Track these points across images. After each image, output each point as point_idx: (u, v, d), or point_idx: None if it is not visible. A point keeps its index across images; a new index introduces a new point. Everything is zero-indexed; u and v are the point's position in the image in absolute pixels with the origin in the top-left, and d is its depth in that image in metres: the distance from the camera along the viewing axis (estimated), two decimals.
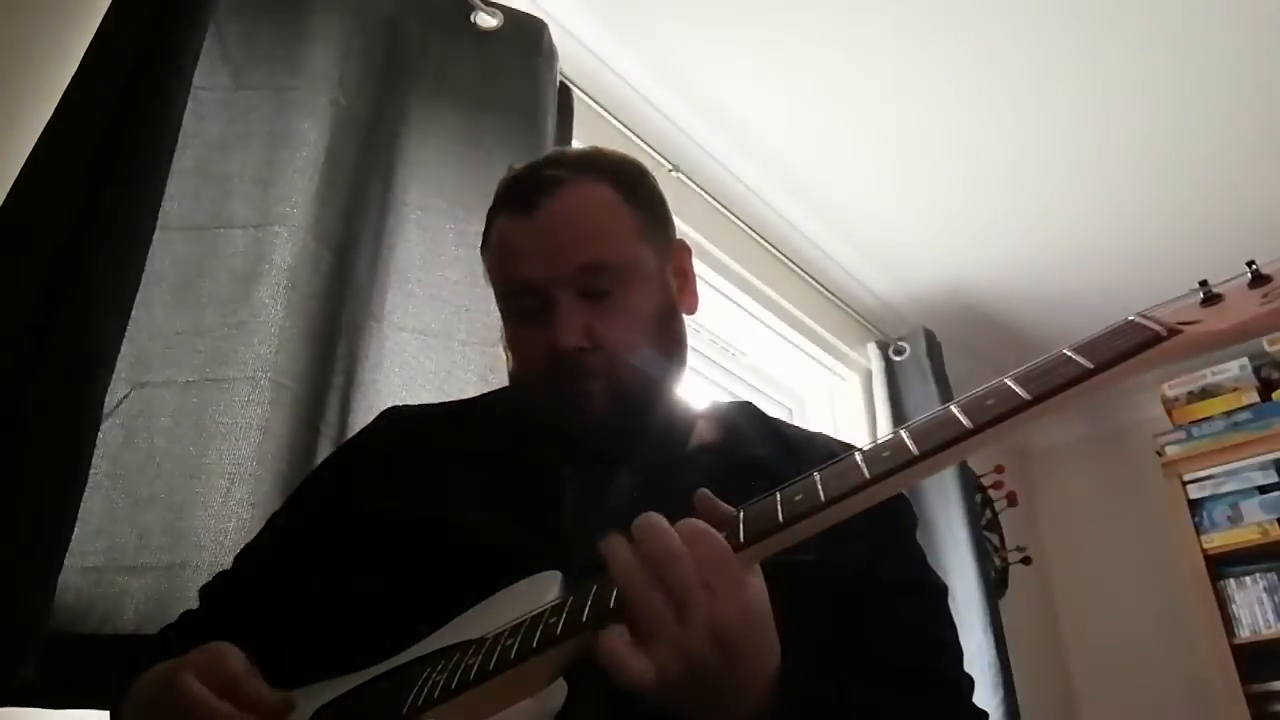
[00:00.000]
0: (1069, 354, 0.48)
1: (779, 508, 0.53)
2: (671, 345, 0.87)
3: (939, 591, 0.81)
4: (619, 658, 0.51)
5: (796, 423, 0.98)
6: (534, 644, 0.54)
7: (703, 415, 0.90)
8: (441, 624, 0.67)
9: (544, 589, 0.64)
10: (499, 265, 0.88)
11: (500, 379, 0.98)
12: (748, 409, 0.93)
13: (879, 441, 0.53)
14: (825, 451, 0.85)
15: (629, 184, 0.89)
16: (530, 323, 0.83)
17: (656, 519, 0.55)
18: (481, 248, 0.94)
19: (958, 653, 0.78)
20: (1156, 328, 0.46)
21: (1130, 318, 0.48)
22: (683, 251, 0.94)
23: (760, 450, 0.83)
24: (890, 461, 0.50)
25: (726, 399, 0.95)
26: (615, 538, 0.56)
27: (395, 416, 0.96)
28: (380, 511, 0.80)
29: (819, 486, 0.52)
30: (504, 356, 0.92)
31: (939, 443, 0.49)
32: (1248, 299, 0.47)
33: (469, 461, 0.84)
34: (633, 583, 0.53)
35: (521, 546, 0.71)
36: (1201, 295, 0.48)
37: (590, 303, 0.82)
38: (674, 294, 0.90)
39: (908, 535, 0.83)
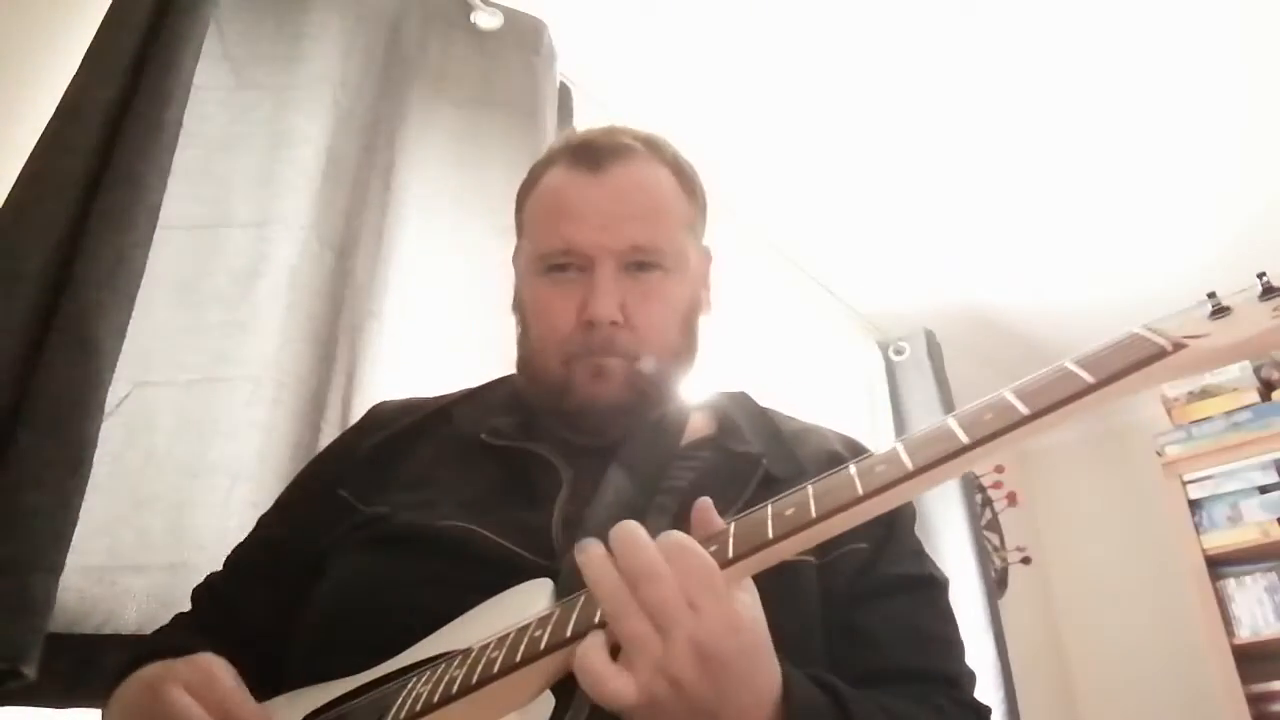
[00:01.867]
0: (1071, 367, 0.47)
1: (769, 522, 0.51)
2: (691, 344, 0.86)
3: (938, 585, 0.80)
4: (597, 675, 0.49)
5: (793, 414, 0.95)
6: (518, 657, 0.53)
7: (697, 408, 0.88)
8: (430, 630, 0.65)
9: (534, 597, 0.62)
10: (547, 216, 0.84)
11: (500, 375, 0.96)
12: (742, 400, 0.91)
13: (874, 455, 0.52)
14: (820, 445, 0.84)
15: (689, 177, 0.89)
16: (561, 285, 0.81)
17: (634, 531, 0.53)
18: (522, 193, 0.91)
19: (958, 648, 0.77)
20: (1161, 342, 0.45)
21: (1135, 330, 0.47)
22: (709, 258, 0.94)
23: (754, 445, 0.81)
24: (884, 477, 0.49)
25: (721, 389, 0.94)
26: (591, 548, 0.53)
27: (384, 411, 0.92)
28: (367, 512, 0.77)
29: (810, 501, 0.51)
30: (515, 318, 0.89)
31: (934, 458, 0.48)
32: (1258, 312, 0.45)
33: (460, 457, 0.81)
34: (613, 601, 0.51)
35: (513, 550, 0.69)
36: (1210, 307, 0.47)
37: (630, 280, 0.80)
38: (701, 295, 0.89)
39: (905, 530, 0.81)
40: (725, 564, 0.51)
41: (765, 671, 0.54)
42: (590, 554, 0.53)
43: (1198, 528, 2.90)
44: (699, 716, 0.50)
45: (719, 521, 0.55)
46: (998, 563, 3.04)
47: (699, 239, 0.90)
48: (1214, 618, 2.77)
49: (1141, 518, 3.25)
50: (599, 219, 0.80)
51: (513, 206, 0.95)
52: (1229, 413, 2.95)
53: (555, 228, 0.82)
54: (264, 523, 0.90)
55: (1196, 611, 2.82)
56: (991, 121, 2.25)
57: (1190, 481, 2.96)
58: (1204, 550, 2.85)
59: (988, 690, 2.32)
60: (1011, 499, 3.12)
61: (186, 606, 0.90)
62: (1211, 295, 0.47)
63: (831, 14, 1.95)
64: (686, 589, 0.50)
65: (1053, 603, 3.43)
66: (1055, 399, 0.46)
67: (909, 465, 0.48)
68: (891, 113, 2.22)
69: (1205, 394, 3.02)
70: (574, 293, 0.80)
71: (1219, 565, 2.86)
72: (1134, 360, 0.45)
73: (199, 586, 0.89)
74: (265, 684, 0.69)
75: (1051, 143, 2.32)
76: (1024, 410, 0.46)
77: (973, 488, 2.81)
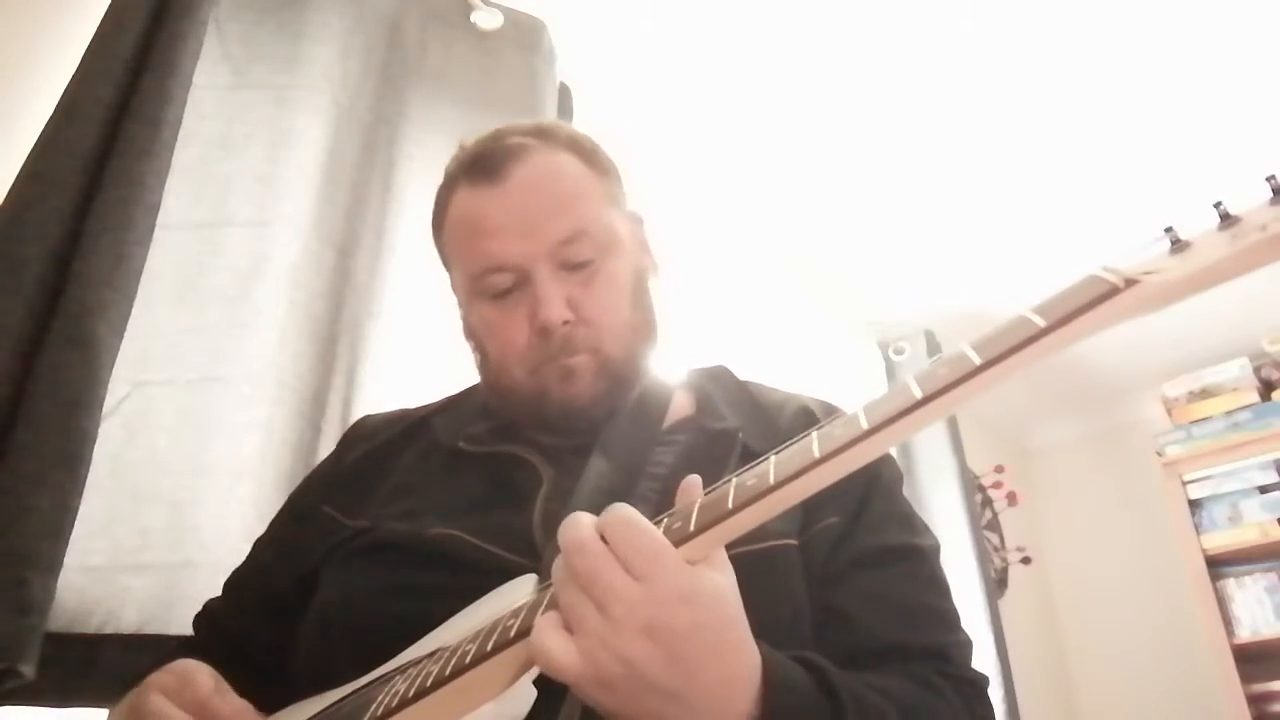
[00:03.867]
0: (1026, 314, 0.46)
1: (730, 494, 0.51)
2: (647, 315, 0.84)
3: (920, 553, 0.77)
4: (543, 645, 0.48)
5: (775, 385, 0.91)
6: (489, 647, 0.53)
7: (678, 389, 0.87)
8: (420, 637, 0.65)
9: (518, 594, 0.62)
10: (465, 243, 0.82)
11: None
12: (721, 375, 0.90)
13: (835, 420, 0.50)
14: (799, 412, 0.83)
15: (591, 152, 0.86)
16: (504, 302, 0.79)
17: (577, 513, 0.52)
18: (435, 227, 0.88)
19: (947, 616, 0.74)
20: (1114, 280, 0.44)
21: (1091, 272, 0.46)
22: (639, 221, 0.91)
23: (732, 420, 0.80)
24: (842, 438, 0.48)
25: (701, 366, 0.92)
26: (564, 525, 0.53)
27: (364, 426, 0.92)
28: (352, 526, 0.78)
29: (770, 470, 0.50)
30: (470, 346, 0.87)
31: (890, 414, 0.47)
32: (1216, 242, 0.44)
33: (440, 466, 0.81)
34: (555, 573, 0.51)
35: (496, 553, 0.69)
36: (1169, 242, 0.46)
37: (569, 274, 0.79)
38: (643, 263, 0.87)
39: (886, 496, 0.78)
40: (687, 538, 0.50)
41: (736, 649, 0.52)
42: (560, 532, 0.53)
43: (1198, 528, 2.90)
44: (663, 699, 0.49)
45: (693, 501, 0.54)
46: (998, 563, 3.04)
47: (623, 207, 0.88)
48: (1214, 618, 2.77)
49: (1141, 518, 3.26)
50: (517, 227, 0.78)
51: None
52: (1229, 413, 2.95)
53: (478, 249, 0.80)
54: (257, 547, 0.90)
55: (1196, 611, 2.82)
56: (992, 122, 2.25)
57: (1190, 481, 2.96)
58: (1204, 550, 2.86)
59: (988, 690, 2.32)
60: (1011, 499, 3.12)
61: (187, 606, 0.90)
62: (1169, 229, 0.46)
63: (832, 15, 1.95)
64: (628, 561, 0.49)
65: (1053, 603, 3.43)
66: (1009, 345, 0.45)
67: (864, 424, 0.47)
68: (892, 113, 2.22)
69: (1205, 394, 3.02)
70: (519, 306, 0.78)
71: (1219, 565, 2.86)
72: (1086, 300, 0.44)
73: (199, 615, 0.89)
74: (271, 704, 0.69)
75: (1052, 144, 2.32)
76: (976, 360, 0.46)
77: (973, 488, 2.81)
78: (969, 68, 2.10)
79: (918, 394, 0.47)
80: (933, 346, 2.80)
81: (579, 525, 0.51)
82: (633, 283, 0.83)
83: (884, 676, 0.63)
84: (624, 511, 0.51)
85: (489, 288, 0.80)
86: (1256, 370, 2.99)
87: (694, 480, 0.55)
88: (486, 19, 1.66)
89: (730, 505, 0.50)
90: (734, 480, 0.52)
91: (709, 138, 2.25)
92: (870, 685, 0.60)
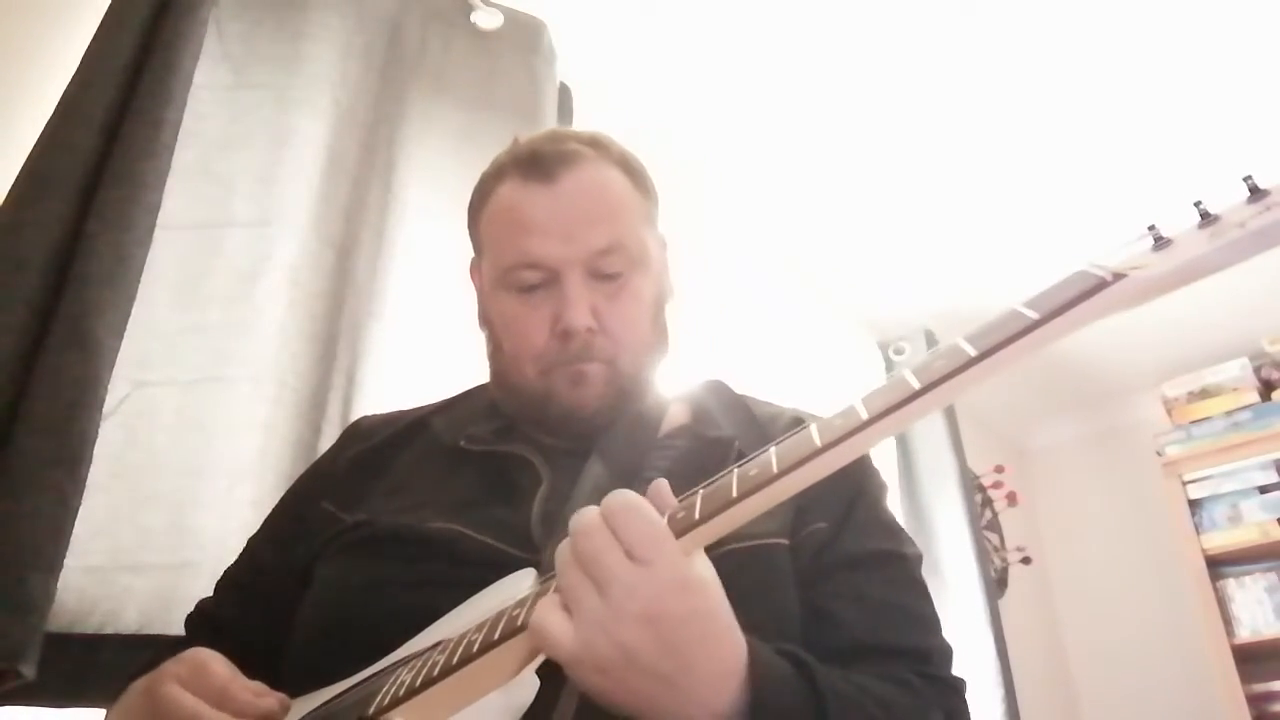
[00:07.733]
0: (1018, 308, 0.48)
1: (734, 484, 0.52)
2: (662, 335, 0.87)
3: (903, 559, 0.78)
4: (542, 625, 0.50)
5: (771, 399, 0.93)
6: (496, 636, 0.54)
7: (675, 399, 0.89)
8: (419, 630, 0.66)
9: (518, 587, 0.63)
10: (505, 234, 0.84)
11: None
12: (718, 388, 0.92)
13: (835, 413, 0.51)
14: (791, 423, 0.84)
15: (638, 172, 0.89)
16: (529, 298, 0.81)
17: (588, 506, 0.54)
18: (473, 210, 0.90)
19: (928, 621, 0.75)
20: (1102, 274, 0.46)
21: (1079, 267, 0.48)
22: (664, 245, 0.94)
23: (727, 430, 0.81)
24: (842, 429, 0.49)
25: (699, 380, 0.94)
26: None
27: (362, 425, 0.93)
28: (349, 520, 0.78)
29: (773, 460, 0.51)
30: (483, 334, 0.89)
31: (888, 405, 0.48)
32: (1196, 239, 0.46)
33: (440, 464, 0.82)
34: (558, 557, 0.52)
35: (495, 546, 0.70)
36: (1152, 240, 0.48)
37: (597, 284, 0.81)
38: (664, 285, 0.90)
39: (871, 505, 0.80)
40: (691, 525, 0.51)
41: (725, 637, 0.53)
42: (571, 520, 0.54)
43: (1198, 528, 2.90)
44: (656, 683, 0.50)
45: (673, 499, 0.55)
46: (998, 563, 3.04)
47: (655, 229, 0.91)
48: (1214, 618, 2.77)
49: (1141, 518, 3.26)
50: (559, 229, 0.80)
51: None
52: (1229, 413, 2.95)
53: (516, 243, 0.81)
54: (251, 544, 0.90)
55: (1196, 611, 2.82)
56: (991, 121, 2.25)
57: (1190, 481, 2.96)
58: (1204, 550, 2.86)
59: (988, 690, 2.32)
60: (1011, 499, 3.12)
61: (187, 606, 0.89)
62: (1152, 227, 0.48)
63: (832, 15, 1.95)
64: (630, 545, 0.50)
65: (1053, 603, 3.43)
66: (1003, 337, 0.47)
67: (864, 415, 0.49)
68: (891, 113, 2.22)
69: (1205, 394, 3.02)
70: (544, 305, 0.80)
71: (1219, 565, 2.86)
72: (1076, 293, 0.46)
73: (190, 616, 0.88)
74: None
75: (1052, 143, 2.32)
76: (971, 351, 0.47)
77: (973, 488, 2.81)
78: (966, 69, 2.10)
79: (915, 385, 0.48)
80: (932, 346, 2.80)
81: (587, 510, 0.52)
82: (654, 302, 0.86)
83: (861, 674, 0.64)
84: (628, 497, 0.52)
85: (517, 281, 0.81)
86: (1256, 370, 2.99)
87: (660, 483, 0.56)
88: (486, 19, 1.66)
89: (735, 493, 0.51)
90: (735, 472, 0.53)
91: (709, 137, 2.25)
92: (848, 680, 0.61)
